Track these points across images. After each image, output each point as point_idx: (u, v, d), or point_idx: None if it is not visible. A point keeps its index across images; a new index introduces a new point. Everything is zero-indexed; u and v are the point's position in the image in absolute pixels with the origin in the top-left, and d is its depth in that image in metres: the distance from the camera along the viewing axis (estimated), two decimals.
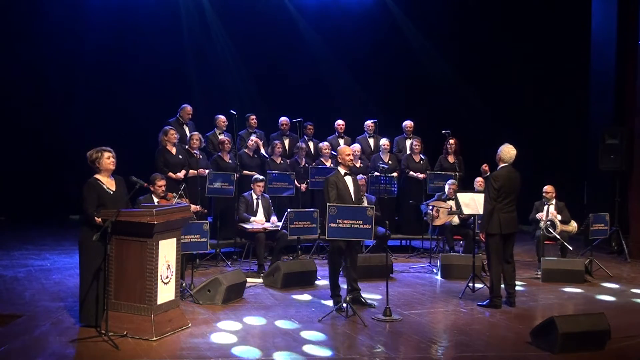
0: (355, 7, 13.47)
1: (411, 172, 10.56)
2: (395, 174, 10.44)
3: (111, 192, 6.07)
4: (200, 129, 9.94)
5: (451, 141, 10.49)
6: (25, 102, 11.90)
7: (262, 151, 10.32)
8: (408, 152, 10.88)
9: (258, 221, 8.87)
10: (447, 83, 13.14)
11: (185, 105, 10.06)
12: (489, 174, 7.88)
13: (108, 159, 6.09)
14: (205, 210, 8.81)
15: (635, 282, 8.74)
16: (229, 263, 9.23)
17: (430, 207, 9.45)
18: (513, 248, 7.38)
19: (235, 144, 9.93)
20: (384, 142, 10.57)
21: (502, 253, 7.21)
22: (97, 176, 6.10)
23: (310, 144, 10.83)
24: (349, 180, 7.11)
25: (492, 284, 7.22)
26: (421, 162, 10.54)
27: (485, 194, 7.26)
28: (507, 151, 7.25)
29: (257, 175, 9.28)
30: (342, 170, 7.14)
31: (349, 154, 7.18)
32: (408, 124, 11.09)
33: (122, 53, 12.21)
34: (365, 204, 8.98)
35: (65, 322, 6.23)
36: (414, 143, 10.65)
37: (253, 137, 10.12)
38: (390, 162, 10.50)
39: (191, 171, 9.24)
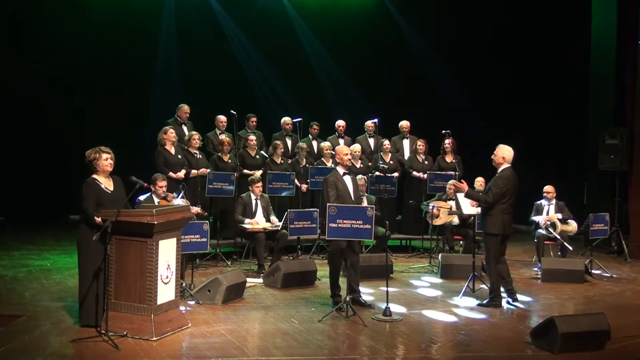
0: (355, 7, 13.50)
1: (414, 172, 10.59)
2: (396, 174, 10.45)
3: (109, 192, 6.07)
4: (200, 129, 9.94)
5: (447, 141, 10.50)
6: (24, 101, 11.90)
7: (263, 151, 10.34)
8: (406, 151, 10.93)
9: (253, 222, 8.87)
10: (447, 83, 13.14)
11: (183, 104, 10.06)
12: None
13: (106, 161, 6.08)
14: (206, 213, 8.79)
15: (635, 282, 8.74)
16: (229, 263, 9.23)
17: (431, 207, 9.45)
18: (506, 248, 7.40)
19: (235, 144, 9.93)
20: (385, 142, 10.58)
21: (501, 254, 7.23)
22: (95, 176, 6.09)
23: (314, 144, 10.85)
24: (347, 180, 7.11)
25: (492, 283, 7.23)
26: (425, 162, 10.57)
27: (487, 192, 7.17)
28: (510, 151, 7.24)
29: (253, 177, 9.27)
30: (340, 170, 7.14)
31: (347, 154, 7.18)
32: (404, 124, 11.12)
33: (122, 53, 12.20)
34: (365, 203, 8.97)
35: (65, 322, 6.23)
36: (419, 144, 10.68)
37: (252, 136, 10.13)
38: (391, 162, 10.52)
39: (192, 171, 9.25)
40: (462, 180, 7.53)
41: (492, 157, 7.31)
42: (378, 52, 13.34)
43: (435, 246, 10.09)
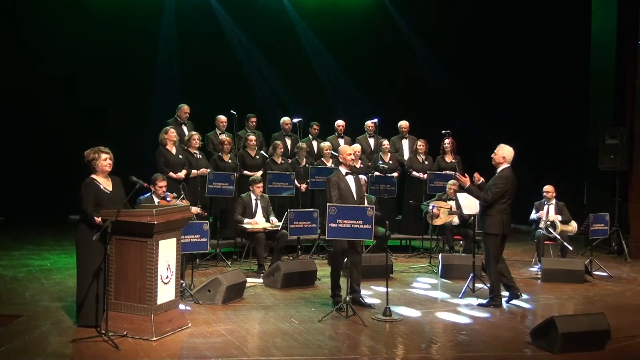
0: (355, 7, 13.51)
1: (414, 172, 10.60)
2: (395, 174, 10.46)
3: (108, 192, 6.07)
4: (200, 129, 9.94)
5: (446, 141, 10.50)
6: (24, 101, 11.90)
7: (263, 151, 10.34)
8: (405, 151, 10.95)
9: (253, 222, 8.87)
10: (446, 83, 13.14)
11: (183, 104, 10.06)
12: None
13: (105, 161, 6.08)
14: (206, 214, 8.79)
15: (635, 282, 8.74)
16: (229, 263, 9.23)
17: (431, 207, 9.44)
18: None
19: (235, 143, 9.93)
20: (384, 142, 10.59)
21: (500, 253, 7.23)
22: (94, 176, 6.10)
23: (314, 144, 10.85)
24: (350, 179, 7.11)
25: (492, 283, 7.23)
26: (425, 162, 10.58)
27: (486, 192, 7.14)
28: (510, 151, 7.23)
29: (254, 177, 9.27)
30: (343, 170, 7.14)
31: (350, 154, 7.19)
32: (403, 124, 11.13)
33: (122, 53, 12.20)
34: (365, 204, 8.96)
35: (65, 322, 6.23)
36: (419, 144, 10.68)
37: (251, 136, 10.13)
38: (390, 162, 10.53)
39: (193, 171, 9.25)
40: (466, 175, 7.50)
41: (492, 156, 7.31)
42: (378, 52, 13.33)
43: (435, 246, 10.09)
